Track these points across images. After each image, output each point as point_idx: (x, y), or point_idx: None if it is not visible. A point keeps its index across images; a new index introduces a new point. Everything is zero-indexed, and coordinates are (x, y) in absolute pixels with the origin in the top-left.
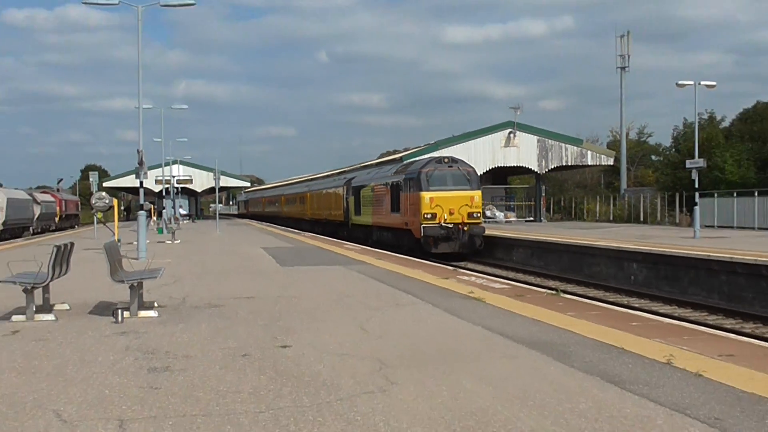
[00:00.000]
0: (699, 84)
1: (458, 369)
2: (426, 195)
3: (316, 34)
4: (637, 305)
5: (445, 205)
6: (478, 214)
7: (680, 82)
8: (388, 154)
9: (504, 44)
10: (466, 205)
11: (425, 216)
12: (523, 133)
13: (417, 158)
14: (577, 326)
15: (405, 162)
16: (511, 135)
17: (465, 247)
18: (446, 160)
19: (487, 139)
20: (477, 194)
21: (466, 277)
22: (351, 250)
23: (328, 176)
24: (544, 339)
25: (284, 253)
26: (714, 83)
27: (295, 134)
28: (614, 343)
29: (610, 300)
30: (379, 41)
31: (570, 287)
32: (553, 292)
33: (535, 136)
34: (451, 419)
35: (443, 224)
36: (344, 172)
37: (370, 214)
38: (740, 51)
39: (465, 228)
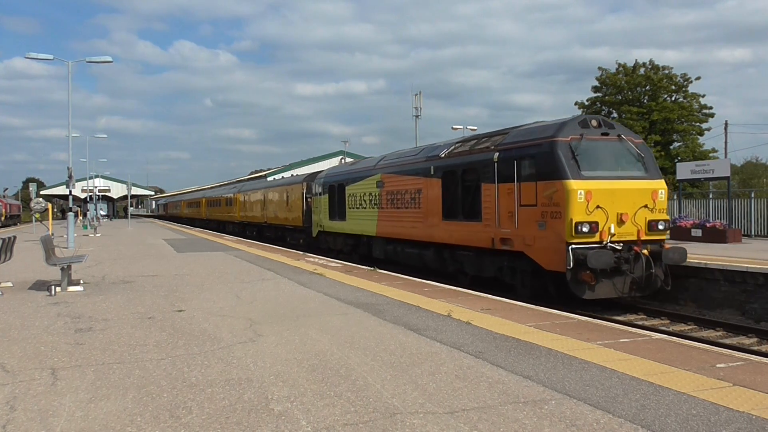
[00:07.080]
0: (466, 128)
1: (306, 323)
2: (578, 186)
3: (204, 86)
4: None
5: (610, 206)
6: (666, 224)
7: (454, 127)
8: (256, 172)
9: (338, 97)
10: (646, 206)
11: (577, 228)
12: (350, 159)
13: (516, 125)
14: (387, 292)
15: (479, 134)
16: (342, 160)
17: (643, 287)
18: (594, 123)
19: (325, 162)
20: (661, 186)
21: (312, 259)
22: (229, 240)
23: (258, 177)
24: (365, 301)
25: (180, 243)
26: (476, 128)
27: (188, 157)
28: (413, 303)
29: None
30: (249, 92)
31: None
32: (371, 268)
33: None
34: (302, 359)
35: (611, 243)
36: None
37: (373, 220)
38: (492, 107)
39: (645, 250)
